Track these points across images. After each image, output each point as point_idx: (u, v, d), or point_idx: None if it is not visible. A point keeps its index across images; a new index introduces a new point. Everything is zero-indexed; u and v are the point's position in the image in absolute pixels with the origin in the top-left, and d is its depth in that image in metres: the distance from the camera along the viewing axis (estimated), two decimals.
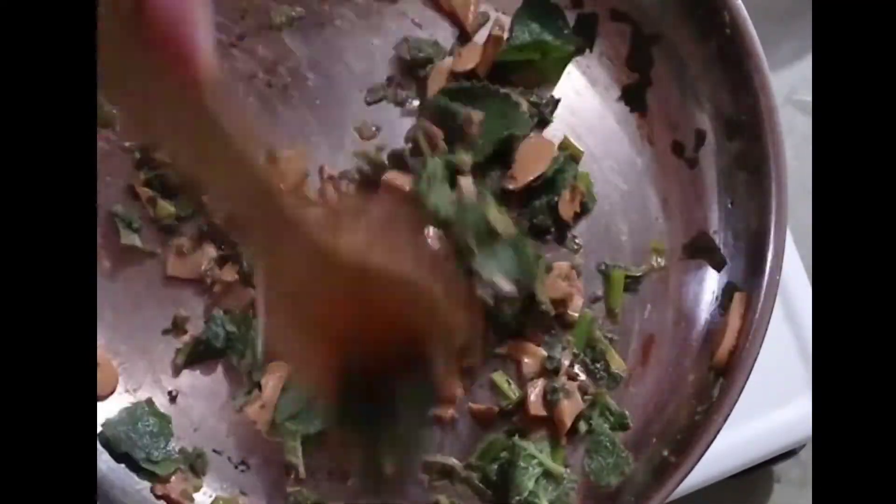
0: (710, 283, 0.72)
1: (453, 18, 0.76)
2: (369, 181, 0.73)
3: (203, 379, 0.73)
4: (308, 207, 0.55)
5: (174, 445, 0.71)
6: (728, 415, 0.65)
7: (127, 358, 0.72)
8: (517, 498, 0.68)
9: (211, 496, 0.71)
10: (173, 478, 0.70)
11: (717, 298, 0.72)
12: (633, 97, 0.76)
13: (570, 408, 0.70)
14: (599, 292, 0.73)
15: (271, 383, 0.70)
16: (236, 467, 0.71)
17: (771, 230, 0.68)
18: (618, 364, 0.72)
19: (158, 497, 0.69)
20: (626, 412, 0.71)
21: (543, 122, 0.75)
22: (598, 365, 0.72)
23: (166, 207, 0.72)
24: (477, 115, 0.71)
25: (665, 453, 0.68)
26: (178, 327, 0.72)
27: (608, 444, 0.70)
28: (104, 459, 0.69)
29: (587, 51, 0.76)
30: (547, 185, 0.73)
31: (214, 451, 0.71)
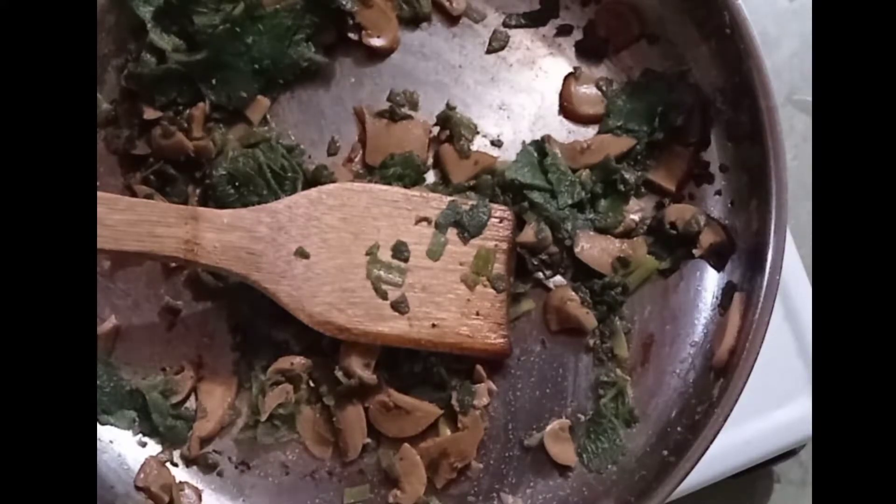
0: (710, 282, 0.72)
1: None
2: None
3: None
4: None
5: None
6: (728, 415, 0.65)
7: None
8: None
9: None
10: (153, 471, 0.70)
11: (716, 298, 0.72)
12: None
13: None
14: None
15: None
16: (236, 467, 0.71)
17: (771, 230, 0.67)
18: (622, 352, 0.72)
19: (139, 489, 0.69)
20: (636, 410, 0.71)
21: None
22: (606, 345, 0.72)
23: None
24: None
25: (665, 453, 0.68)
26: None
27: (610, 429, 0.70)
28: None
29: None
30: None
31: (215, 451, 0.71)
